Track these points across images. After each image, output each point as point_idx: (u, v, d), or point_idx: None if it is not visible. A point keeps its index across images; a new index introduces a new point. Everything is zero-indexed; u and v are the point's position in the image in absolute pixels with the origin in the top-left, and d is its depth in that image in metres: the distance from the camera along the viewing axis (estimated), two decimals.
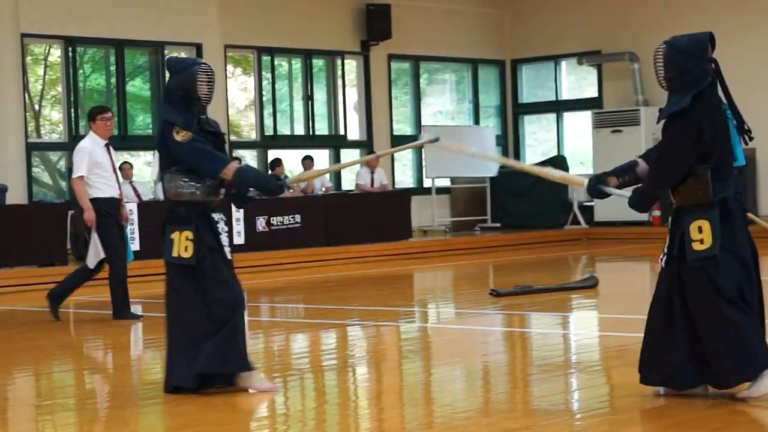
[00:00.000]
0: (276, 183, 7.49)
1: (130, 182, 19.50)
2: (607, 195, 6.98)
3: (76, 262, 18.13)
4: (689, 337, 6.60)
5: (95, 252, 11.95)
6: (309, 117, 23.48)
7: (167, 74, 7.69)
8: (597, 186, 6.96)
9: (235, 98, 23.23)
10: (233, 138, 22.49)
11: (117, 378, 8.98)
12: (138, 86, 22.10)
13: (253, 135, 23.10)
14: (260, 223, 19.25)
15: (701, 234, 6.51)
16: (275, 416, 6.97)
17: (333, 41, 23.59)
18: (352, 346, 10.21)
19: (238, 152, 22.38)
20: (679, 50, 6.61)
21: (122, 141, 20.90)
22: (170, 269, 7.42)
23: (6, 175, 18.93)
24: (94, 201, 11.90)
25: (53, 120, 21.23)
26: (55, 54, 20.61)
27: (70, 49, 20.20)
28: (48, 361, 9.89)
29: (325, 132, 23.83)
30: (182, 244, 7.28)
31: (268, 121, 22.98)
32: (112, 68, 21.02)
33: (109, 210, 11.93)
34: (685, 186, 6.60)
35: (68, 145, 20.36)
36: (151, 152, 21.64)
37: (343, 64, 23.86)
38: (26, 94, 19.90)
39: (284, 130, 23.35)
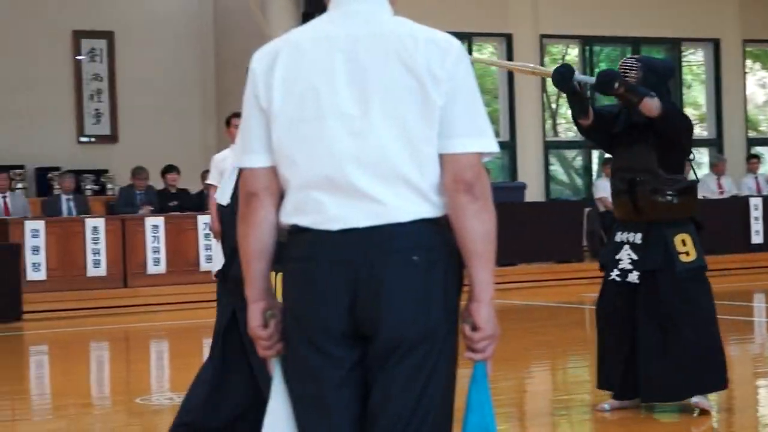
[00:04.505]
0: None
1: None
2: (571, 84, 6.52)
3: (592, 260, 18.34)
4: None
5: None
6: None
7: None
8: (562, 71, 6.55)
9: (754, 94, 22.64)
10: (751, 134, 21.91)
11: None
12: None
13: None
14: None
15: (685, 247, 6.57)
16: None
17: None
18: None
19: (757, 149, 21.73)
20: None
21: None
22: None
23: (525, 174, 19.51)
24: None
25: (569, 118, 21.60)
26: (572, 53, 20.96)
27: (586, 48, 20.47)
28: (564, 356, 10.08)
29: None
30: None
31: None
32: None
33: None
34: (674, 202, 6.59)
35: (584, 143, 20.65)
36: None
37: None
38: (544, 94, 20.38)
39: None
